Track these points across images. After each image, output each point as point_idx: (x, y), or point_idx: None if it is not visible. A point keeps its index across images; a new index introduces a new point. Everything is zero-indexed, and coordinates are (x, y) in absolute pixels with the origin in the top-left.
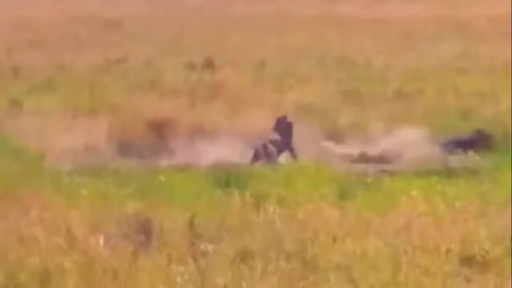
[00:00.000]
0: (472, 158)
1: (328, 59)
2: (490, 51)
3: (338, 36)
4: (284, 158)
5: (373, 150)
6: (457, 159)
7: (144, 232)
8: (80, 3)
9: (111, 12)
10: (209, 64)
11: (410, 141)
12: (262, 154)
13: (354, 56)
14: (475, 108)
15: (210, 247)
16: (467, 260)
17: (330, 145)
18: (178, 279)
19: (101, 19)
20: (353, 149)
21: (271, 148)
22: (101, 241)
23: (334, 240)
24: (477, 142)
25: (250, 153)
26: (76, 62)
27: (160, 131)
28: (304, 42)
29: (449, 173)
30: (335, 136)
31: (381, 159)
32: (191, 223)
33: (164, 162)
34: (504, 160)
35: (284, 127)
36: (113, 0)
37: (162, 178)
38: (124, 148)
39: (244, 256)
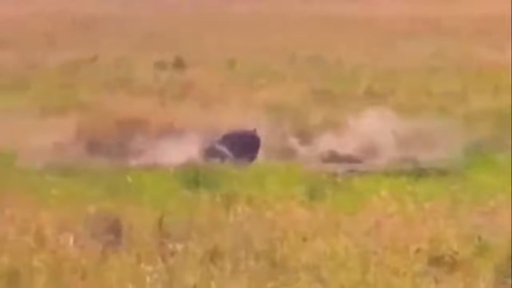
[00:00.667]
0: (443, 157)
1: (299, 58)
2: (463, 51)
3: (310, 35)
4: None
5: (343, 150)
6: (427, 159)
7: (113, 231)
8: (51, 1)
9: (82, 10)
10: (179, 63)
11: (380, 140)
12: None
13: (326, 55)
14: (446, 108)
15: (179, 247)
16: (436, 260)
17: (300, 145)
18: (147, 279)
19: (72, 17)
20: (323, 148)
21: (221, 148)
22: (71, 241)
23: (304, 239)
24: None
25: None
26: (46, 61)
27: (130, 130)
28: (276, 41)
29: (419, 173)
30: (306, 135)
31: (351, 158)
32: (160, 223)
33: (134, 161)
34: (474, 160)
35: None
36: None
37: (132, 177)
38: (94, 147)
39: (214, 256)
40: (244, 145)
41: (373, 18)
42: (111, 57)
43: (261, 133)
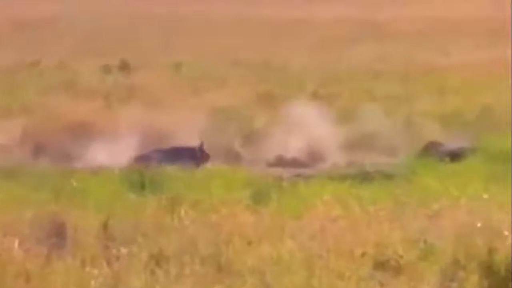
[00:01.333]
0: (387, 161)
1: (245, 62)
2: (407, 54)
3: (256, 38)
4: None
5: (288, 154)
6: (372, 163)
7: (58, 235)
8: None
9: (25, 13)
10: (124, 66)
11: (324, 145)
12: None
13: (271, 58)
14: (390, 112)
15: (124, 250)
16: (381, 264)
17: (244, 148)
18: (92, 282)
19: (15, 20)
20: (268, 152)
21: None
22: (15, 244)
23: (249, 243)
24: None
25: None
26: None
27: (75, 133)
28: (222, 45)
29: (363, 176)
30: (251, 139)
31: (296, 162)
32: (105, 226)
33: (79, 165)
34: (418, 164)
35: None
36: (26, 1)
37: (77, 180)
38: (39, 150)
39: (159, 260)
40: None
41: (318, 22)
42: (55, 60)
43: (206, 137)
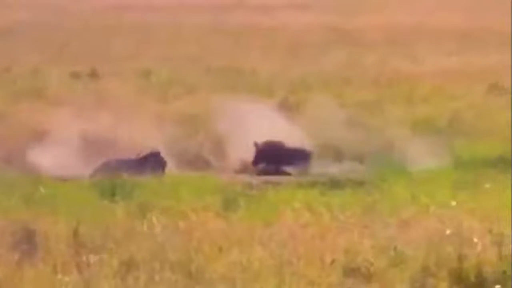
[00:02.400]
0: (357, 169)
1: (214, 69)
2: (377, 61)
3: (226, 45)
4: None
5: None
6: (342, 170)
7: (28, 241)
8: None
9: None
10: (93, 74)
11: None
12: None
13: (241, 65)
14: (360, 118)
15: (94, 257)
16: (352, 271)
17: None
18: None
19: None
20: (236, 159)
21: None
22: None
23: (219, 250)
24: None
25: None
26: None
27: (43, 140)
28: (192, 52)
29: (332, 184)
30: (218, 146)
31: (264, 170)
32: (75, 233)
33: (48, 172)
34: (388, 172)
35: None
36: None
37: (46, 187)
38: (9, 157)
39: (129, 266)
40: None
41: (289, 29)
42: (26, 68)
43: (173, 144)
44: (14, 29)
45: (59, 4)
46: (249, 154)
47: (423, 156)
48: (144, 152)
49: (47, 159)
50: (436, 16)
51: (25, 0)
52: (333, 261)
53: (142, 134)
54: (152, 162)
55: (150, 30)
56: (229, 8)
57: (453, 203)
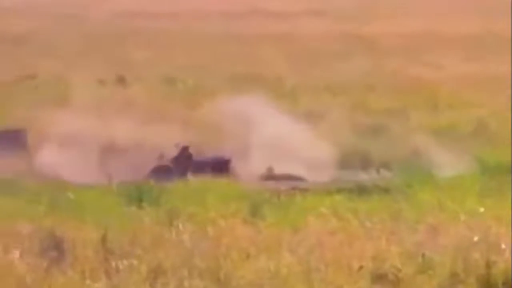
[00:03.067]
0: (384, 175)
1: (238, 76)
2: (399, 67)
3: (246, 52)
4: None
5: (281, 168)
6: (368, 177)
7: (57, 248)
8: None
9: (18, 28)
10: (120, 80)
11: (320, 158)
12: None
13: (264, 72)
14: (385, 125)
15: (123, 264)
16: (379, 278)
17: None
18: None
19: (8, 34)
20: (262, 166)
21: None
22: (17, 257)
23: (247, 257)
24: None
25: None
26: None
27: (72, 147)
28: (213, 59)
29: (360, 190)
30: (244, 152)
31: (290, 176)
32: (103, 240)
33: (77, 178)
34: (414, 178)
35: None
36: (19, 15)
37: (73, 194)
38: (35, 165)
39: (158, 273)
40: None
41: (309, 36)
42: (50, 74)
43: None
44: (37, 36)
45: (80, 11)
46: (276, 162)
47: (448, 162)
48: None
49: (72, 166)
50: (452, 21)
51: (46, 7)
52: (360, 268)
53: (167, 141)
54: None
55: (169, 37)
56: (245, 15)
57: (481, 209)
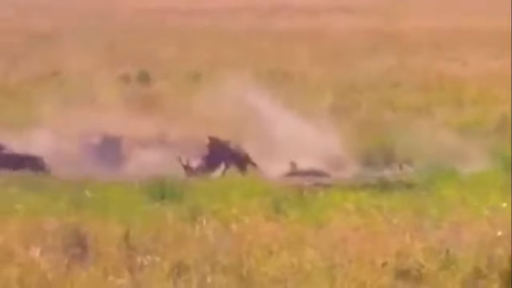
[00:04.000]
0: (407, 171)
1: (263, 72)
2: (424, 64)
3: (272, 49)
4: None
5: (306, 164)
6: (391, 173)
7: (79, 245)
8: (11, 16)
9: (43, 24)
10: (144, 77)
11: (343, 154)
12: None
13: (289, 69)
14: (410, 121)
15: (146, 260)
16: (403, 274)
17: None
18: None
19: (33, 31)
20: (287, 162)
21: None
22: (40, 254)
23: (270, 253)
24: None
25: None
26: (8, 75)
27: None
28: (239, 55)
29: (384, 186)
30: (268, 149)
31: (314, 172)
32: (126, 236)
33: (101, 175)
34: (438, 174)
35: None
36: (43, 12)
37: (96, 191)
38: (60, 161)
39: (180, 270)
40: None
41: (335, 33)
42: (75, 71)
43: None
44: (60, 33)
45: (105, 8)
46: (300, 157)
47: (472, 158)
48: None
49: (96, 162)
50: (478, 18)
51: (71, 4)
52: (384, 264)
53: (195, 137)
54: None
55: (194, 33)
56: (272, 11)
57: (504, 205)
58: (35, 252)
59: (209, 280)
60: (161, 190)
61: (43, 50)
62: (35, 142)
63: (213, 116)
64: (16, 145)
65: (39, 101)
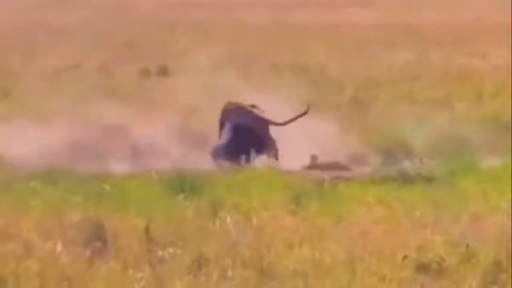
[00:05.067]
0: (428, 165)
1: (282, 65)
2: (444, 58)
3: (291, 43)
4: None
5: (326, 158)
6: (411, 166)
7: (99, 238)
8: (29, 10)
9: (61, 19)
10: (163, 71)
11: (363, 148)
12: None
13: (308, 62)
14: (430, 115)
15: (166, 254)
16: (424, 267)
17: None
18: (135, 286)
19: (51, 25)
20: (306, 156)
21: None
22: (60, 247)
23: (290, 246)
24: None
25: (203, 159)
26: (27, 70)
27: (115, 138)
28: (257, 49)
29: (403, 179)
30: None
31: (335, 165)
32: (147, 230)
33: (118, 169)
34: (458, 167)
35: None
36: (61, 7)
37: (115, 184)
38: (80, 155)
39: (201, 263)
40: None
41: (355, 26)
42: (94, 65)
43: None
44: (80, 26)
45: (123, 1)
46: (321, 151)
47: (492, 151)
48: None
49: (115, 156)
50: (497, 11)
51: None
52: (405, 257)
53: (213, 131)
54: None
55: (213, 26)
56: (291, 5)
57: None
58: (56, 246)
59: (229, 273)
60: (181, 183)
61: (62, 44)
62: (53, 136)
63: None
64: (34, 138)
65: (58, 95)
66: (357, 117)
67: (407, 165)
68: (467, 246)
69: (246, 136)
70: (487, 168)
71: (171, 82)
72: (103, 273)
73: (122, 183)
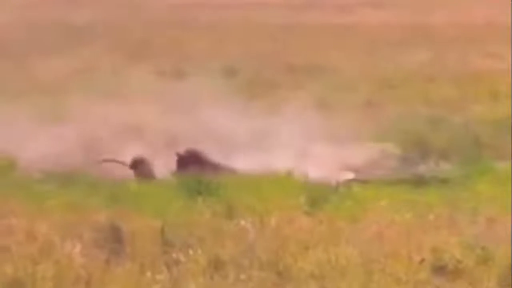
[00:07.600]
0: (443, 166)
1: (296, 66)
2: (458, 58)
3: (304, 43)
4: None
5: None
6: (426, 168)
7: (116, 240)
8: (43, 9)
9: (76, 19)
10: (178, 72)
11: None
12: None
13: (323, 63)
14: (445, 116)
15: (183, 256)
16: (440, 269)
17: None
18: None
19: (66, 25)
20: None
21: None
22: (76, 249)
23: (306, 248)
24: None
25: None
26: (41, 69)
27: (128, 139)
28: (271, 49)
29: (419, 182)
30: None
31: (349, 167)
32: (163, 231)
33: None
34: (474, 169)
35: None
36: (76, 7)
37: (132, 186)
38: (93, 157)
39: (217, 265)
40: None
41: (369, 26)
42: (108, 66)
43: None
44: (93, 28)
45: (138, 2)
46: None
47: (507, 153)
48: None
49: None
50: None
51: None
52: (422, 260)
53: (228, 132)
54: None
55: (227, 28)
56: (305, 6)
57: None
58: (73, 248)
59: (245, 275)
60: (197, 185)
61: (77, 44)
62: (68, 137)
63: (248, 111)
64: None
65: (73, 95)
66: (372, 118)
67: (423, 167)
68: (483, 248)
69: None
70: (502, 170)
71: (186, 83)
72: (120, 274)
73: (139, 185)
